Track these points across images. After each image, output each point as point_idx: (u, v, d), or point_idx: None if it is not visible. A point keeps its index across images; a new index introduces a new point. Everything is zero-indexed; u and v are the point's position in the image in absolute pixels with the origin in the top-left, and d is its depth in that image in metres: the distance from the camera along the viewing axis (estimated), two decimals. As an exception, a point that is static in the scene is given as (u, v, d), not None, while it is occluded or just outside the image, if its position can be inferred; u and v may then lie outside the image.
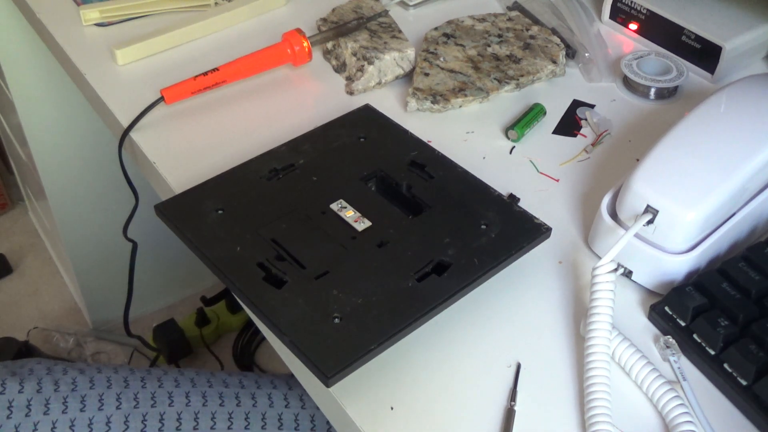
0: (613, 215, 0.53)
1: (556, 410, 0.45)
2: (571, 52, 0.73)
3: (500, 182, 0.58)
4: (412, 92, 0.66)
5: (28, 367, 0.68)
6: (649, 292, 0.52)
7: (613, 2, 0.77)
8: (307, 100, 0.70)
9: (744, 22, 0.71)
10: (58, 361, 0.70)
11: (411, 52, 0.70)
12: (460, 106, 0.67)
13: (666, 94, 0.69)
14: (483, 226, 0.52)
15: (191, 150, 0.63)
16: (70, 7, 0.80)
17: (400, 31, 0.73)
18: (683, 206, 0.49)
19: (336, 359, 0.43)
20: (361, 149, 0.59)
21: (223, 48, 0.75)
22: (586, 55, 0.72)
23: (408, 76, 0.71)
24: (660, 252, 0.50)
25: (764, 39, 0.72)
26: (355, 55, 0.70)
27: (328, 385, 0.43)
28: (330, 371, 0.43)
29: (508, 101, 0.69)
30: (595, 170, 0.62)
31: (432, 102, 0.66)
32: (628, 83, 0.70)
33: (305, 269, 0.49)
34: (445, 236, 0.51)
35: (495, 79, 0.68)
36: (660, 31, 0.74)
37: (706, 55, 0.70)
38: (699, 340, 0.47)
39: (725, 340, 0.46)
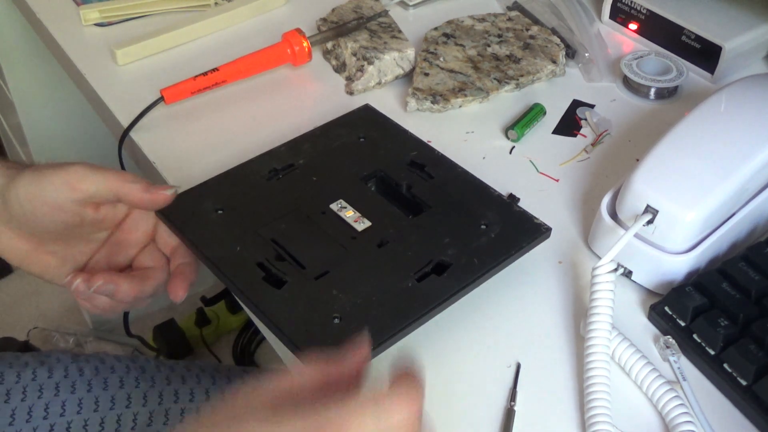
0: (613, 215, 0.53)
1: (556, 410, 0.45)
2: (571, 52, 0.73)
3: (500, 182, 0.58)
4: (412, 92, 0.66)
5: (7, 360, 0.70)
6: (649, 292, 0.52)
7: (613, 2, 0.77)
8: (307, 100, 0.70)
9: (744, 22, 0.71)
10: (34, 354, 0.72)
11: (411, 52, 0.70)
12: (460, 106, 0.67)
13: (666, 94, 0.69)
14: (483, 226, 0.52)
15: (191, 150, 0.63)
16: (70, 7, 0.80)
17: (400, 31, 0.73)
18: (683, 206, 0.49)
19: (336, 359, 0.43)
20: (361, 149, 0.59)
21: (223, 48, 0.75)
22: (586, 55, 0.72)
23: (408, 76, 0.71)
24: (660, 252, 0.50)
25: (764, 39, 0.72)
26: (355, 55, 0.70)
27: (328, 386, 0.43)
28: (330, 371, 0.43)
29: (508, 101, 0.69)
30: (595, 170, 0.62)
31: (432, 102, 0.66)
32: (628, 83, 0.70)
33: (305, 269, 0.49)
34: (445, 236, 0.51)
35: (495, 79, 0.68)
36: (660, 31, 0.73)
37: (706, 55, 0.70)
38: (699, 340, 0.47)
39: (725, 340, 0.46)
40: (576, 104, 0.69)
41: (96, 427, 0.66)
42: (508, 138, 0.65)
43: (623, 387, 0.46)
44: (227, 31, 0.78)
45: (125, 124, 0.65)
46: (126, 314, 0.79)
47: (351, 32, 0.72)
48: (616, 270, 0.48)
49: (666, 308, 0.49)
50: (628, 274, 0.52)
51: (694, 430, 0.43)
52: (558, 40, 0.72)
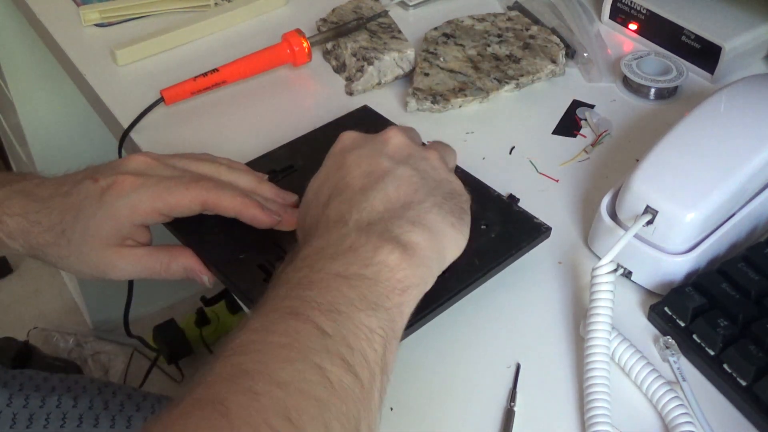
0: (613, 215, 0.53)
1: (556, 410, 0.45)
2: (570, 52, 0.73)
3: (500, 182, 0.58)
4: (412, 92, 0.66)
5: (34, 382, 0.70)
6: (649, 293, 0.52)
7: (613, 2, 0.77)
8: (306, 100, 0.70)
9: (744, 22, 0.71)
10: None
11: (411, 53, 0.70)
12: (460, 106, 0.67)
13: (666, 94, 0.69)
14: (483, 226, 0.52)
15: (191, 151, 0.63)
16: (70, 8, 0.80)
17: (399, 32, 0.73)
18: (683, 207, 0.49)
19: (336, 360, 0.43)
20: (361, 150, 0.59)
21: (223, 48, 0.75)
22: (585, 55, 0.72)
23: (408, 77, 0.71)
24: (659, 252, 0.50)
25: (764, 39, 0.72)
26: (354, 55, 0.70)
27: (329, 386, 0.43)
28: (330, 372, 0.43)
29: (508, 101, 0.69)
30: (595, 170, 0.62)
31: (432, 102, 0.66)
32: (628, 83, 0.70)
33: (305, 270, 0.49)
34: (445, 237, 0.51)
35: (495, 78, 0.68)
36: (660, 31, 0.73)
37: (705, 55, 0.70)
38: (698, 341, 0.47)
39: (725, 340, 0.46)
40: (576, 104, 0.69)
41: None
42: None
43: (623, 387, 0.46)
44: (227, 31, 0.78)
45: (125, 124, 0.65)
46: (126, 314, 0.78)
47: (351, 32, 0.72)
48: (615, 270, 0.48)
49: (666, 309, 0.49)
50: (627, 274, 0.52)
51: (694, 430, 0.43)
52: (558, 40, 0.72)
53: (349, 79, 0.70)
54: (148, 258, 0.50)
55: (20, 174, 0.53)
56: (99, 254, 0.49)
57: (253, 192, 0.51)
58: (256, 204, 0.49)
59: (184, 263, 0.50)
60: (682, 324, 0.48)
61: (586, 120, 0.67)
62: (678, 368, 0.46)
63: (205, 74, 0.67)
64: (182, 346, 1.41)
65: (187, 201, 0.48)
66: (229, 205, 0.49)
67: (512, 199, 0.57)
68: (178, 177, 0.50)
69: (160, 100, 0.66)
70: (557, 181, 0.61)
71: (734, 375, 0.45)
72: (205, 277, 0.50)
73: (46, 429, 0.66)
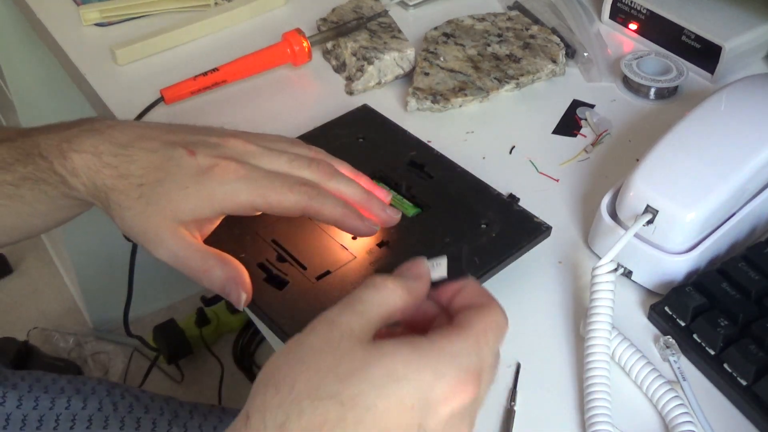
0: (613, 215, 0.53)
1: (556, 410, 0.45)
2: (570, 52, 0.73)
3: (500, 182, 0.58)
4: (413, 92, 0.66)
5: (43, 383, 0.70)
6: (649, 292, 0.52)
7: (613, 2, 0.77)
8: (306, 100, 0.70)
9: (744, 22, 0.71)
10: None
11: (411, 52, 0.70)
12: (460, 106, 0.67)
13: (666, 94, 0.69)
14: (483, 226, 0.52)
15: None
16: (70, 7, 0.80)
17: (400, 31, 0.73)
18: (683, 206, 0.49)
19: (336, 359, 0.43)
20: (361, 149, 0.59)
21: (223, 48, 0.75)
22: (585, 54, 0.72)
23: (408, 76, 0.71)
24: (660, 252, 0.50)
25: (764, 39, 0.72)
26: (354, 55, 0.70)
27: (329, 386, 0.43)
28: (330, 371, 0.43)
29: (508, 101, 0.69)
30: (595, 170, 0.62)
31: (432, 101, 0.66)
32: (628, 83, 0.70)
33: (306, 270, 0.49)
34: (445, 236, 0.51)
35: (495, 78, 0.68)
36: (660, 31, 0.74)
37: (706, 55, 0.70)
38: (699, 340, 0.47)
39: (725, 340, 0.46)
40: (576, 104, 0.69)
41: None
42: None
43: (623, 387, 0.46)
44: (227, 31, 0.78)
45: (125, 124, 0.65)
46: (126, 314, 0.78)
47: (351, 32, 0.72)
48: (616, 270, 0.48)
49: (666, 308, 0.49)
50: (628, 274, 0.52)
51: (694, 430, 0.43)
52: (558, 40, 0.72)
53: (349, 79, 0.70)
54: (197, 254, 0.47)
55: (85, 118, 0.50)
56: (160, 222, 0.46)
57: (356, 201, 0.49)
58: (356, 215, 0.48)
59: (227, 273, 0.46)
60: (683, 323, 0.48)
61: (586, 120, 0.67)
62: (678, 368, 0.46)
63: (205, 73, 0.67)
64: (182, 346, 1.41)
65: (288, 204, 0.47)
66: (329, 214, 0.47)
67: (512, 199, 0.57)
68: (283, 176, 0.48)
69: (160, 99, 0.66)
70: (557, 180, 0.61)
71: (734, 375, 0.45)
72: (243, 295, 0.46)
73: (56, 431, 0.66)
